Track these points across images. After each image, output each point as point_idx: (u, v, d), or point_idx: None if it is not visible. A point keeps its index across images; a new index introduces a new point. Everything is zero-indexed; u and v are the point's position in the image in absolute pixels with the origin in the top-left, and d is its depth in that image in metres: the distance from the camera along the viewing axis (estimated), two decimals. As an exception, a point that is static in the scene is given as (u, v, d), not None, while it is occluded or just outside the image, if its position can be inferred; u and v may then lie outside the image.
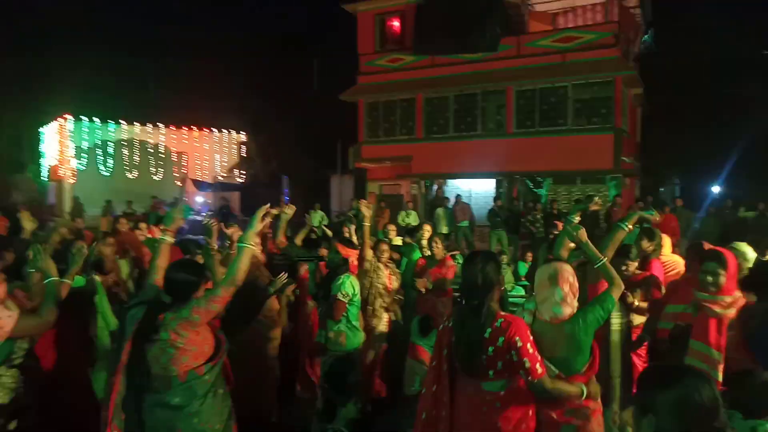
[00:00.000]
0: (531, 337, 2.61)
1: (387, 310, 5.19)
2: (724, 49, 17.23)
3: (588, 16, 17.95)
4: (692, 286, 3.27)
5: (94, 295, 4.19)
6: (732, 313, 3.03)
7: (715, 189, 18.35)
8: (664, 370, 1.80)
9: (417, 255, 6.33)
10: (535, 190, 16.00)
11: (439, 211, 13.90)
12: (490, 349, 2.58)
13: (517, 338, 2.55)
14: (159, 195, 17.78)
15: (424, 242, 6.52)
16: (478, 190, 16.87)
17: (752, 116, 18.21)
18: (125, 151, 23.13)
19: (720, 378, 2.97)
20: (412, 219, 12.80)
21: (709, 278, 3.05)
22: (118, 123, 22.97)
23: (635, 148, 18.24)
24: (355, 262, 4.93)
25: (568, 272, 2.85)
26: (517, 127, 15.77)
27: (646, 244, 4.53)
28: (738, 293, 3.10)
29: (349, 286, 4.47)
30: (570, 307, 2.80)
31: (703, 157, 18.66)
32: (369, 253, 4.98)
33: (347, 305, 4.43)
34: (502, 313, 2.66)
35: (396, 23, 17.95)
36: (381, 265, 5.20)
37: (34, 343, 3.26)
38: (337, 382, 3.60)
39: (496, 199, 14.37)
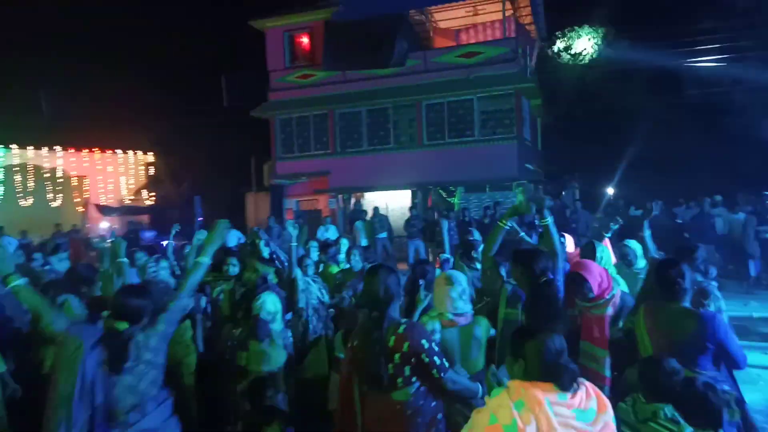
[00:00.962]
0: (434, 337, 2.75)
1: (325, 325, 5.22)
2: (613, 62, 18.77)
3: (488, 32, 19.01)
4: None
5: None
6: (610, 311, 3.39)
7: (610, 191, 19.91)
8: (528, 329, 2.35)
9: (335, 269, 6.40)
10: (448, 199, 16.58)
11: (358, 224, 14.06)
12: (396, 356, 2.62)
13: (423, 340, 2.63)
14: (59, 222, 16.65)
15: (342, 256, 6.60)
16: (394, 203, 17.23)
17: (638, 124, 20.01)
18: (17, 177, 21.48)
19: (608, 373, 3.31)
20: (331, 233, 12.86)
21: (579, 297, 3.42)
22: (8, 147, 21.32)
23: (538, 155, 19.40)
24: (274, 280, 4.92)
25: (460, 277, 3.14)
26: (428, 140, 16.30)
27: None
28: (613, 291, 3.44)
29: (271, 304, 4.41)
30: (467, 310, 3.04)
31: (598, 162, 20.15)
32: (299, 272, 5.01)
33: (269, 323, 4.42)
34: (403, 320, 2.74)
35: (305, 39, 18.04)
36: (310, 281, 5.23)
37: None
38: (259, 402, 3.60)
39: (411, 209, 14.76)
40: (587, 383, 2.10)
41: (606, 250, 4.72)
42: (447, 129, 16.14)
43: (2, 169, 21.47)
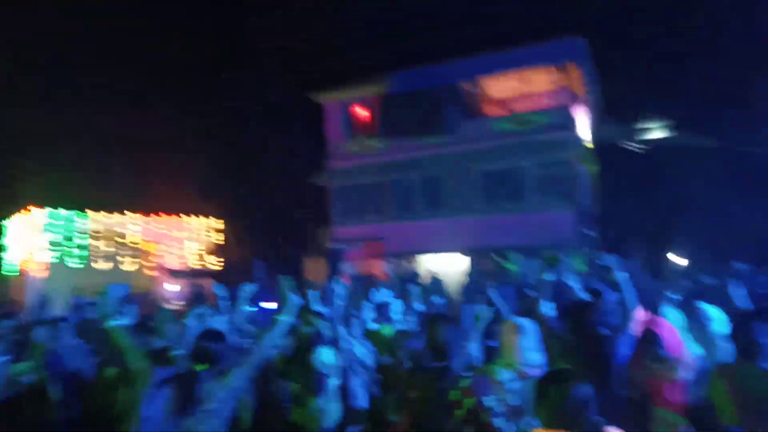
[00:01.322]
0: (508, 386, 2.71)
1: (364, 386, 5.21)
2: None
3: (542, 100, 19.33)
4: None
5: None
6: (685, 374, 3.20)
7: (676, 258, 19.10)
8: (557, 372, 2.33)
9: (389, 330, 6.42)
10: (504, 263, 16.41)
11: (413, 288, 14.06)
12: (457, 413, 2.64)
13: (487, 399, 2.64)
14: (132, 285, 17.50)
15: (396, 316, 6.62)
16: (448, 267, 17.22)
17: (704, 187, 19.39)
18: (95, 242, 22.85)
19: None
20: (385, 296, 12.92)
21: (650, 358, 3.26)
22: (85, 213, 22.77)
23: (596, 221, 19.07)
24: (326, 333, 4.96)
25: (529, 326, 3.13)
26: (481, 205, 16.43)
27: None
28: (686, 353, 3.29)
29: (328, 357, 4.40)
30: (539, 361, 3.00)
31: (663, 227, 19.52)
32: (342, 330, 5.07)
33: (326, 378, 4.35)
34: (468, 374, 2.80)
35: (362, 111, 18.96)
36: (354, 341, 5.29)
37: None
38: None
39: (469, 274, 14.71)
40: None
41: (676, 313, 4.55)
42: (501, 195, 16.26)
43: (81, 235, 22.89)
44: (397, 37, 25.46)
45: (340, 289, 5.15)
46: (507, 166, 16.23)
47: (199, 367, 2.90)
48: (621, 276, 3.42)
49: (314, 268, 20.39)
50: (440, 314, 3.14)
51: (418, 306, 9.03)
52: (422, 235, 16.60)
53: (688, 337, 4.13)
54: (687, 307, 5.01)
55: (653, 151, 19.05)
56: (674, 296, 5.14)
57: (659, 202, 20.35)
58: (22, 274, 21.88)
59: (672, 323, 4.19)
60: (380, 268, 17.93)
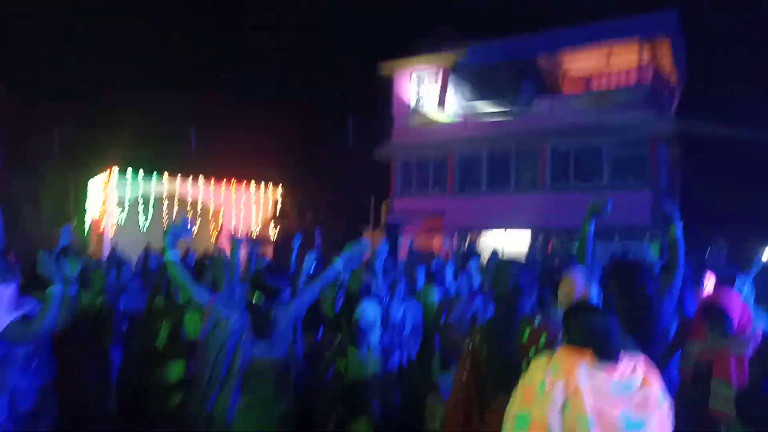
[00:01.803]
0: None
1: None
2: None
3: (622, 78, 18.09)
4: None
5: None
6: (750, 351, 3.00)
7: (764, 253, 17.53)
8: (573, 307, 2.35)
9: (434, 293, 6.19)
10: (570, 245, 15.59)
11: (472, 263, 13.61)
12: (532, 350, 2.52)
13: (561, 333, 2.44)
14: (193, 248, 17.99)
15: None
16: (511, 246, 16.56)
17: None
18: (165, 206, 23.69)
19: None
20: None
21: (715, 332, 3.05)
22: (159, 176, 23.62)
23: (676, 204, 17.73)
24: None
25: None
26: (551, 182, 15.62)
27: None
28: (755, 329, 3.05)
29: (371, 312, 4.37)
30: None
31: (750, 217, 17.93)
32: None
33: (368, 332, 4.30)
34: (536, 317, 2.60)
35: (431, 83, 18.42)
36: (393, 303, 5.12)
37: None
38: (351, 400, 3.49)
39: (529, 253, 14.05)
40: (641, 361, 2.10)
41: (748, 285, 4.16)
42: (573, 173, 15.38)
43: (152, 198, 23.83)
44: (473, 7, 24.64)
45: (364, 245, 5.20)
46: (582, 145, 15.29)
47: (258, 299, 3.08)
48: (678, 227, 3.19)
49: (373, 241, 20.28)
50: (512, 260, 2.94)
51: (477, 280, 8.78)
52: (485, 211, 16.01)
53: (759, 313, 3.76)
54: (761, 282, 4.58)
55: (741, 134, 17.45)
56: (748, 272, 4.69)
57: (745, 188, 18.71)
58: (96, 232, 23.04)
59: (743, 298, 3.85)
60: (439, 243, 17.54)
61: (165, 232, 3.31)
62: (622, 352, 2.11)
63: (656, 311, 2.95)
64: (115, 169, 22.67)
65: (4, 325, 2.86)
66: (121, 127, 25.36)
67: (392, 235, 17.93)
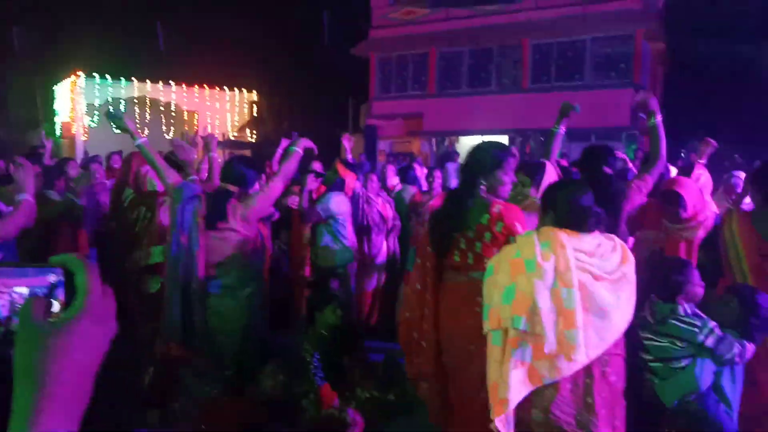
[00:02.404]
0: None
1: (385, 238, 5.11)
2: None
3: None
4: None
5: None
6: (701, 234, 3.15)
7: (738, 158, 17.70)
8: (560, 182, 2.61)
9: (407, 191, 6.24)
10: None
11: (449, 164, 13.62)
12: (487, 235, 2.51)
13: (517, 224, 2.50)
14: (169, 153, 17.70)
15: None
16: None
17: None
18: (137, 109, 23.03)
19: None
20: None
21: (670, 218, 3.14)
22: (129, 80, 22.86)
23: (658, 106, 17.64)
24: (352, 184, 4.78)
25: None
26: (532, 83, 15.34)
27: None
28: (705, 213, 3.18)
29: (335, 203, 4.40)
30: None
31: (729, 122, 17.91)
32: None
33: (332, 221, 4.38)
34: (498, 201, 2.57)
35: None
36: (370, 195, 5.12)
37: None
38: (319, 288, 3.58)
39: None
40: (616, 239, 2.20)
41: (705, 173, 4.28)
42: (554, 72, 15.07)
43: (124, 101, 23.11)
44: None
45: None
46: (564, 39, 14.84)
47: (229, 187, 3.08)
48: (657, 117, 3.20)
49: (351, 144, 20.09)
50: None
51: (454, 183, 8.83)
52: (465, 112, 15.76)
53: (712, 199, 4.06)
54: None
55: (733, 34, 17.04)
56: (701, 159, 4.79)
57: (732, 93, 18.58)
58: (67, 137, 22.49)
59: (699, 181, 3.99)
60: (418, 147, 17.43)
61: (113, 124, 3.27)
62: (602, 229, 2.19)
63: (621, 193, 3.01)
64: (81, 74, 21.82)
65: None
66: (85, 31, 24.02)
67: (371, 138, 17.74)
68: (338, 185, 4.56)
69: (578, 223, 2.14)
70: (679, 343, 2.30)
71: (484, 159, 2.60)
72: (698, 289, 2.45)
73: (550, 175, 3.17)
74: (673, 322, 2.33)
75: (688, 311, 2.35)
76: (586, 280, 2.06)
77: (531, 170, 3.06)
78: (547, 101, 14.86)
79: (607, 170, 3.07)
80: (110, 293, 0.63)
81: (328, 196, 4.39)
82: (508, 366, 2.01)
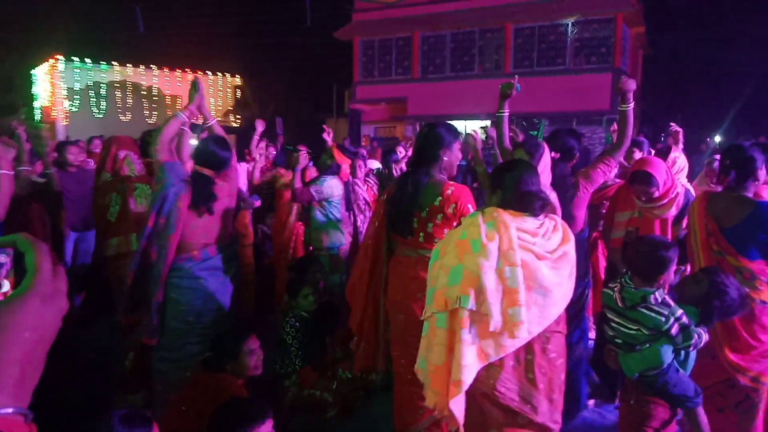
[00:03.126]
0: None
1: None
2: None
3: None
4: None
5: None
6: (673, 212, 3.24)
7: (717, 139, 17.98)
8: (509, 163, 2.56)
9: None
10: (531, 132, 15.75)
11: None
12: (439, 216, 2.58)
13: (469, 205, 2.57)
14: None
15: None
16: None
17: (761, 59, 17.71)
18: (118, 93, 22.71)
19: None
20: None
21: (642, 197, 3.22)
22: (110, 64, 22.49)
23: (636, 91, 17.79)
24: (347, 170, 4.86)
25: None
26: (514, 67, 15.41)
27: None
28: (678, 189, 3.27)
29: (329, 187, 4.46)
30: None
31: (707, 106, 18.17)
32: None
33: (326, 203, 4.47)
34: (451, 183, 2.65)
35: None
36: (358, 181, 5.19)
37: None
38: (298, 271, 3.65)
39: (487, 140, 14.19)
40: (558, 219, 2.26)
41: (681, 156, 4.38)
42: (536, 56, 15.15)
43: (105, 85, 22.77)
44: None
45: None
46: (545, 22, 14.91)
47: (204, 171, 3.02)
48: (629, 106, 3.23)
49: (335, 129, 20.05)
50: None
51: None
52: (449, 97, 15.82)
53: (684, 181, 4.15)
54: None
55: (712, 19, 17.22)
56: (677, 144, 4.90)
57: (711, 78, 18.82)
58: (47, 121, 22.13)
59: (675, 164, 4.07)
60: (402, 132, 17.46)
61: None
62: (545, 212, 2.22)
63: (566, 176, 3.16)
64: (60, 57, 21.43)
65: None
66: (64, 13, 23.54)
67: (355, 122, 17.74)
68: (333, 170, 4.60)
69: (524, 206, 2.16)
70: (645, 330, 2.33)
71: (436, 140, 2.66)
72: (673, 274, 2.45)
73: (548, 156, 3.15)
74: (643, 310, 2.32)
75: (659, 299, 2.32)
76: (528, 260, 2.08)
77: (531, 149, 3.05)
78: (528, 86, 14.95)
79: (572, 151, 3.22)
80: (62, 272, 0.63)
81: (323, 179, 4.43)
82: (460, 347, 2.01)
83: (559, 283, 2.12)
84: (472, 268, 2.04)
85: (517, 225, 2.12)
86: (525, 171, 2.24)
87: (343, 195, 4.62)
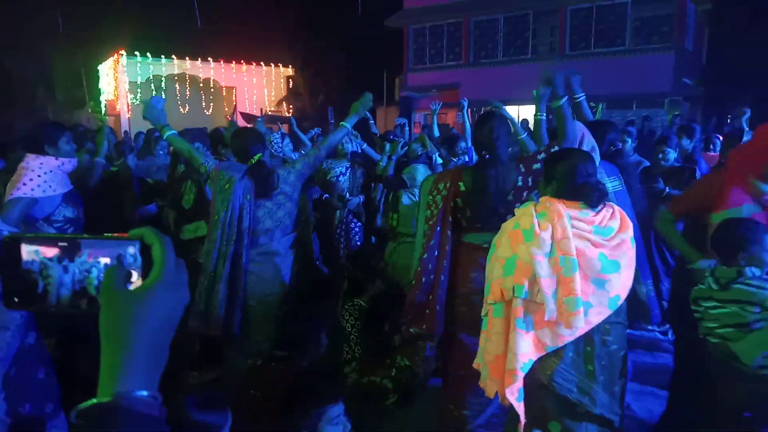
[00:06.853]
0: None
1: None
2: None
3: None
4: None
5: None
6: None
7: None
8: (562, 152, 2.40)
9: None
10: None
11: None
12: (530, 178, 2.63)
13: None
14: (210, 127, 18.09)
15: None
16: (529, 118, 16.29)
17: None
18: (177, 86, 23.52)
19: None
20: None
21: None
22: (170, 58, 23.28)
23: (701, 71, 16.96)
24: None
25: None
26: (570, 49, 14.95)
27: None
28: None
29: (421, 175, 4.40)
30: None
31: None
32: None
33: (415, 189, 4.40)
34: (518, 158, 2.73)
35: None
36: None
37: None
38: (362, 263, 3.71)
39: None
40: (615, 206, 2.19)
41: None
42: (594, 37, 14.63)
43: (164, 79, 23.62)
44: None
45: None
46: (603, 2, 14.35)
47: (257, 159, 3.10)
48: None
49: (385, 117, 20.05)
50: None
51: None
52: (502, 82, 15.52)
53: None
54: None
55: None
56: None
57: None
58: (112, 114, 23.17)
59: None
60: (454, 118, 17.28)
61: (144, 115, 3.30)
62: (604, 200, 2.16)
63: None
64: (123, 53, 22.36)
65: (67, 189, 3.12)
66: (126, 11, 24.45)
67: (406, 110, 17.70)
68: (424, 159, 4.76)
69: (580, 198, 2.10)
70: (749, 308, 2.10)
71: (508, 129, 2.73)
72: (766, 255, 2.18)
73: (590, 138, 3.04)
74: (740, 286, 2.12)
75: (756, 273, 2.11)
76: (584, 248, 2.04)
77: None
78: (585, 68, 14.49)
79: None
80: (183, 264, 0.65)
81: (415, 167, 4.46)
82: (515, 336, 2.01)
83: (618, 271, 2.06)
84: (525, 258, 2.05)
85: (572, 214, 2.09)
86: (579, 160, 2.17)
87: None
